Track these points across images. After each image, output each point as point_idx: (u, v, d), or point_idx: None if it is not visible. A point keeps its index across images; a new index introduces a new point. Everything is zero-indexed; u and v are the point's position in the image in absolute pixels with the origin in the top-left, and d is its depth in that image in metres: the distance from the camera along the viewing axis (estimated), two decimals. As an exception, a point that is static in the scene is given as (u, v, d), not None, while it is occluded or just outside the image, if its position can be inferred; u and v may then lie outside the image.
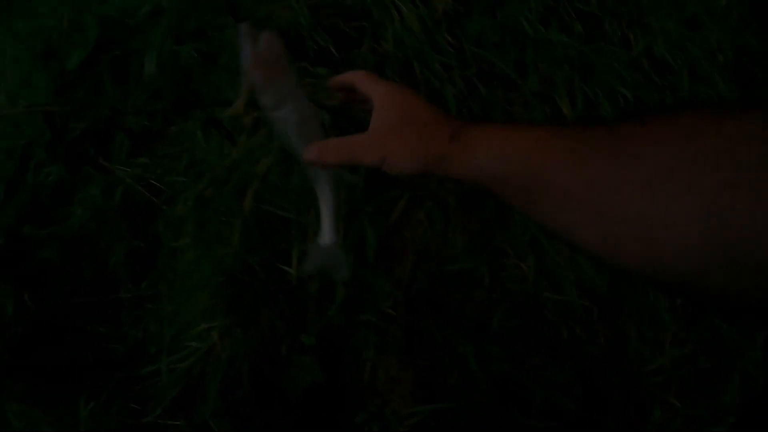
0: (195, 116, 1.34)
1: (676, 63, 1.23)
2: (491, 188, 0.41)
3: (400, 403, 1.08)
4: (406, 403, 1.08)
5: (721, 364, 1.21)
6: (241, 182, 1.18)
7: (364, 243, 1.08)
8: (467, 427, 1.06)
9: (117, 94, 1.51)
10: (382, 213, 1.09)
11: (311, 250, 0.55)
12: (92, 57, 1.59)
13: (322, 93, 1.08)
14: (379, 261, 1.10)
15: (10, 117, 1.85)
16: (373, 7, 1.25)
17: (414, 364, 1.09)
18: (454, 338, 1.09)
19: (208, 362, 1.15)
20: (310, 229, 1.12)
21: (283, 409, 1.09)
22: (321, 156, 0.46)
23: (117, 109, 1.51)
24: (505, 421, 1.06)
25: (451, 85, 1.15)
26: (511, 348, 1.11)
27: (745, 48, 1.36)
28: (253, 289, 1.14)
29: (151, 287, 1.39)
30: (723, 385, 1.19)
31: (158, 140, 1.44)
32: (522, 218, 1.12)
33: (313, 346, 1.10)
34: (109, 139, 1.52)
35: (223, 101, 1.24)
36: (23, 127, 1.78)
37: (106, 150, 1.53)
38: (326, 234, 0.52)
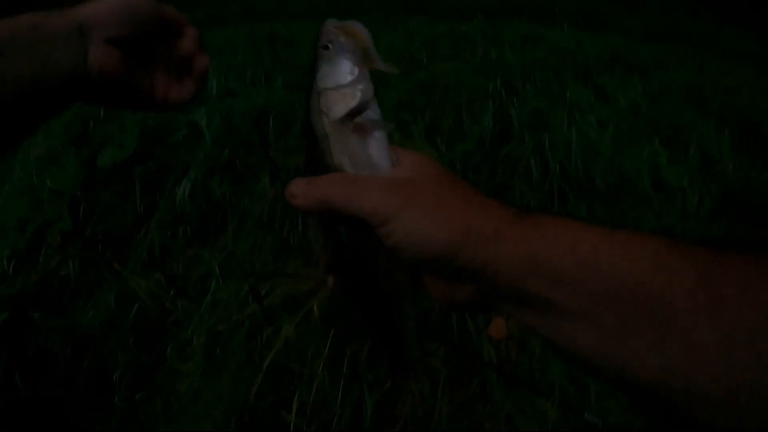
0: (216, 248, 1.47)
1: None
2: (551, 305, 0.27)
3: None
4: None
5: None
6: (256, 328, 1.30)
7: (362, 407, 1.20)
8: None
9: (143, 205, 1.63)
10: (378, 381, 1.22)
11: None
12: (127, 162, 1.71)
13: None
14: (372, 422, 1.22)
15: (32, 190, 1.89)
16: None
17: None
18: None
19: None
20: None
21: None
22: (308, 187, 0.34)
23: (141, 219, 1.62)
24: None
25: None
26: None
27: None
28: (255, 430, 1.24)
29: (146, 400, 1.46)
30: None
31: (175, 260, 1.55)
32: (500, 396, 1.27)
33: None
34: (127, 247, 1.63)
35: (248, 246, 1.37)
36: (45, 205, 1.83)
37: (122, 256, 1.63)
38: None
